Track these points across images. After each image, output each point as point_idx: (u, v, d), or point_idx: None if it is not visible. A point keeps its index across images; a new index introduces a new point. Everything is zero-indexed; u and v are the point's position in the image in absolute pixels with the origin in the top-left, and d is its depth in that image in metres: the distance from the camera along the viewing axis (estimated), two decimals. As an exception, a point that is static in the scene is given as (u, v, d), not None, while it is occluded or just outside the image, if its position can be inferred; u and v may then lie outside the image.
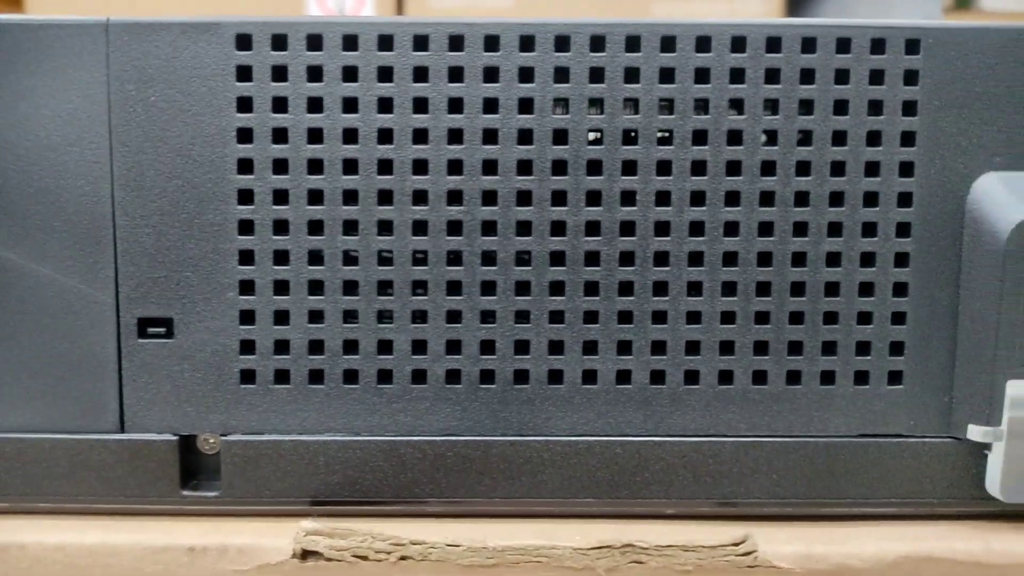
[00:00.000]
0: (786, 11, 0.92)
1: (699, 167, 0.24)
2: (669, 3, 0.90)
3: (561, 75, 0.23)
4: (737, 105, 0.24)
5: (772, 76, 0.24)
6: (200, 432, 0.24)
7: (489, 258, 0.24)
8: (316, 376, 0.24)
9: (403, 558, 0.24)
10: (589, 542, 0.24)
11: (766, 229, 0.24)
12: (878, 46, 0.24)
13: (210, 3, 0.81)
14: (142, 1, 0.79)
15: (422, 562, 0.24)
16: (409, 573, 0.24)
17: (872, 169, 0.24)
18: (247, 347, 0.24)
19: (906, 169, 0.24)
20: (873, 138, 0.24)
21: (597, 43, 0.23)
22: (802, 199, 0.24)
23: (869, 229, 0.24)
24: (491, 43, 0.23)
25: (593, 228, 0.24)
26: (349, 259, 0.24)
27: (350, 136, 0.23)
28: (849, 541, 0.24)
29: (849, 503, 0.25)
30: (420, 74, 0.23)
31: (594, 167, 0.24)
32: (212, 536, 0.24)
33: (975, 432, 0.24)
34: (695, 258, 0.24)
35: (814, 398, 0.25)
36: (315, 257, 0.24)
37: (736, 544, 0.24)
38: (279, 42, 0.23)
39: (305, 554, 0.23)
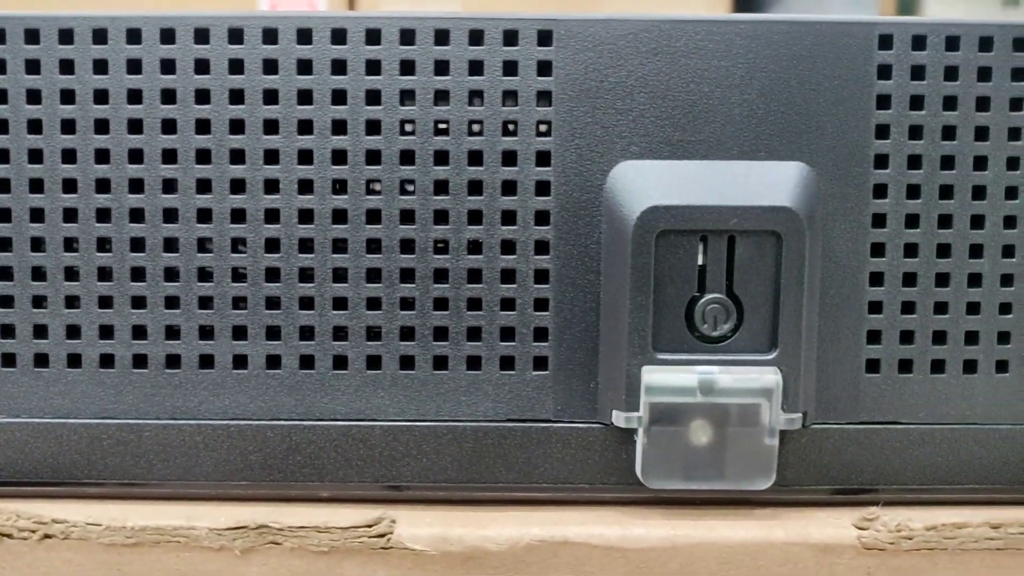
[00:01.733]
0: (733, 6, 0.92)
1: (340, 156, 0.24)
2: (617, 6, 0.91)
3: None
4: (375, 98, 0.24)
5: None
6: None
7: (138, 245, 0.25)
8: (-24, 360, 0.25)
9: (46, 536, 0.24)
10: (227, 523, 0.24)
11: (408, 217, 0.24)
12: (511, 38, 0.24)
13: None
14: None
15: (64, 540, 0.24)
16: (54, 552, 0.24)
17: (509, 158, 0.24)
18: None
19: (543, 158, 0.24)
20: (509, 128, 0.24)
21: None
22: (441, 187, 0.24)
23: (509, 217, 0.24)
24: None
25: (238, 216, 0.24)
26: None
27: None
28: (490, 525, 0.24)
29: (501, 488, 0.25)
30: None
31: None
32: None
33: (618, 418, 0.24)
34: (339, 245, 0.24)
35: (461, 383, 0.25)
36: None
37: (370, 526, 0.24)
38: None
39: (-50, 532, 0.24)
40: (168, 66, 0.24)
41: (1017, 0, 1.08)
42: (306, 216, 0.24)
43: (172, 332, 0.25)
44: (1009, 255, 0.25)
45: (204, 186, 0.24)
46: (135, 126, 0.24)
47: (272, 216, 0.24)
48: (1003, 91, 0.25)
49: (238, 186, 0.24)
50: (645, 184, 0.24)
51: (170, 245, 0.25)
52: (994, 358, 0.25)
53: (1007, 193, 0.25)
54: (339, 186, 0.24)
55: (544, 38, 0.24)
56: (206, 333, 0.25)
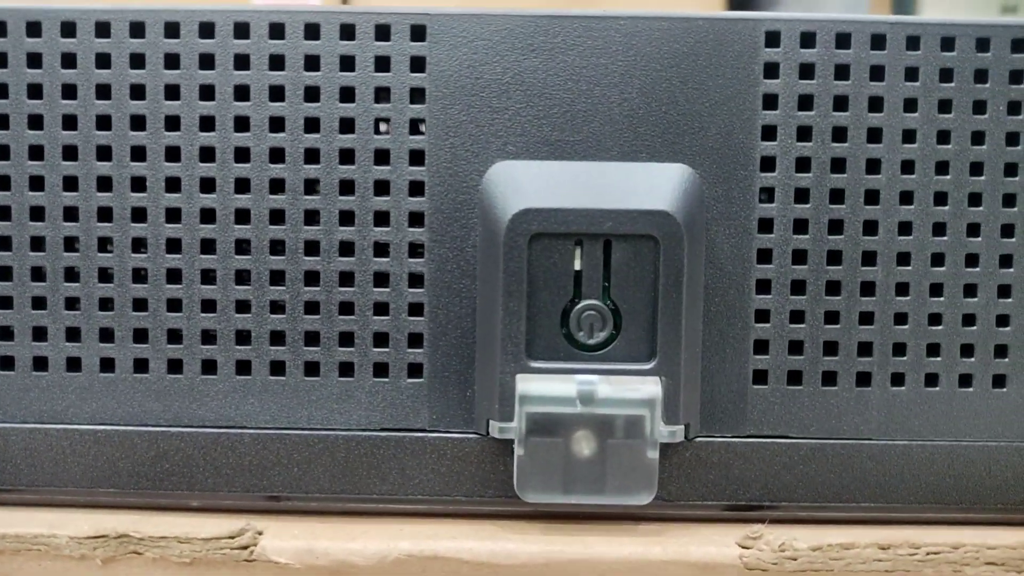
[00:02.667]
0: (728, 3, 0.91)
1: (210, 154, 0.24)
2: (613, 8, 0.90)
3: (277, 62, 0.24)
4: (242, 92, 0.24)
5: (278, 63, 0.24)
6: None
7: (5, 243, 0.24)
8: None
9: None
10: (89, 532, 0.23)
11: (277, 217, 0.24)
12: (383, 32, 0.23)
13: None
14: None
15: (-78, 548, 0.23)
16: (-88, 559, 0.24)
17: (382, 157, 0.24)
18: None
19: (417, 157, 0.24)
20: (381, 126, 0.24)
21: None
22: (312, 187, 0.24)
23: (382, 218, 0.24)
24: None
25: (105, 215, 0.24)
26: None
27: None
28: (358, 538, 0.23)
29: (375, 499, 0.24)
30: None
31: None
32: None
33: (493, 428, 0.24)
34: (207, 246, 0.24)
35: (334, 390, 0.24)
36: None
37: (232, 537, 0.23)
38: None
39: None
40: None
41: (1015, 7, 1.07)
42: (173, 215, 0.24)
43: (39, 334, 0.24)
44: (904, 263, 0.24)
45: (70, 183, 0.24)
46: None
47: (139, 215, 0.24)
48: (897, 91, 0.24)
49: (104, 184, 0.24)
50: (519, 185, 0.23)
51: (37, 244, 0.24)
52: (889, 371, 0.24)
53: (901, 198, 0.24)
54: (207, 185, 0.24)
55: (417, 33, 0.23)
56: (73, 335, 0.24)
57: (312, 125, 0.24)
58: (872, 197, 0.24)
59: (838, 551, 0.23)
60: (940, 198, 0.24)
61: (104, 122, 0.24)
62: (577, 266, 0.23)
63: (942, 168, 0.24)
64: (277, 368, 0.24)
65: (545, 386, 0.23)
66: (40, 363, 0.24)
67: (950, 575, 0.23)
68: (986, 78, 0.24)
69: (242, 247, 0.24)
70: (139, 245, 0.24)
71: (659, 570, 0.23)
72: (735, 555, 0.23)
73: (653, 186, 0.23)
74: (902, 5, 0.98)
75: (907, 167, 0.24)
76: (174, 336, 0.24)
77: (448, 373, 0.24)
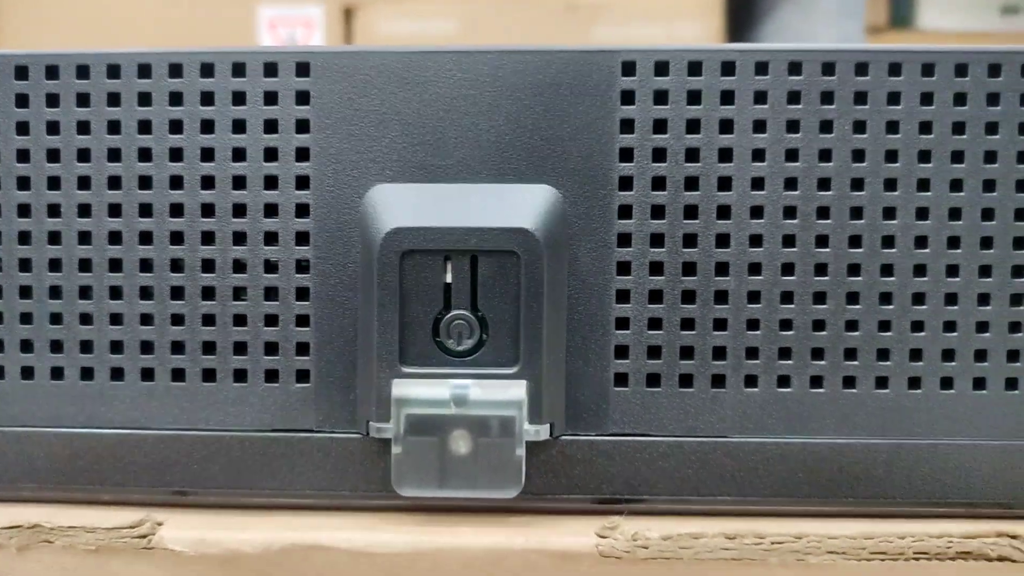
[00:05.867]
0: (726, 33, 0.93)
1: (115, 182, 0.26)
2: (609, 27, 0.93)
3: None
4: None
5: (177, 99, 0.26)
6: None
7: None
8: None
9: None
10: (4, 523, 0.26)
11: (177, 238, 0.26)
12: (271, 69, 0.26)
13: (157, 39, 0.88)
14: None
15: None
16: None
17: (271, 182, 0.26)
18: None
19: (303, 182, 0.26)
20: (271, 154, 0.26)
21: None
22: (208, 210, 0.26)
23: (271, 238, 0.26)
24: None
25: (24, 239, 0.26)
26: None
27: None
28: (248, 529, 0.26)
29: (267, 494, 0.27)
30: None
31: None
32: None
33: (372, 429, 0.26)
34: (114, 264, 0.26)
35: (229, 395, 0.26)
36: None
37: (132, 527, 0.26)
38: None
39: None
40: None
41: (1016, 8, 1.08)
42: (84, 238, 0.26)
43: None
44: (756, 272, 0.26)
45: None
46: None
47: (54, 238, 0.26)
48: (746, 113, 0.25)
49: (24, 210, 0.26)
50: (394, 206, 0.25)
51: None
52: (743, 373, 0.26)
53: (752, 212, 0.26)
54: (114, 210, 0.26)
55: (302, 69, 0.26)
56: (-4, 346, 0.27)
57: (208, 155, 0.26)
58: (724, 212, 0.26)
59: (687, 540, 0.25)
60: (789, 212, 0.26)
61: (24, 155, 0.26)
62: (447, 279, 0.25)
63: (790, 184, 0.26)
64: (178, 375, 0.26)
65: (420, 390, 0.25)
66: (-32, 371, 0.27)
67: (794, 564, 0.25)
68: (832, 99, 0.26)
69: (145, 265, 0.26)
70: (55, 266, 0.26)
71: (520, 558, 0.25)
72: (592, 544, 0.25)
73: (516, 206, 0.25)
74: (900, 7, 0.99)
75: (757, 184, 0.26)
76: (86, 347, 0.26)
77: (333, 379, 0.26)
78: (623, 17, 0.93)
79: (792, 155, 0.26)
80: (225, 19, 0.94)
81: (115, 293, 0.26)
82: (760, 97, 0.26)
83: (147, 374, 0.26)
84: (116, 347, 0.26)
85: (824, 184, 0.26)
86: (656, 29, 0.93)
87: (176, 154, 0.26)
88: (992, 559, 0.25)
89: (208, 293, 0.26)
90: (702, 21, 0.93)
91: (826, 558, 0.25)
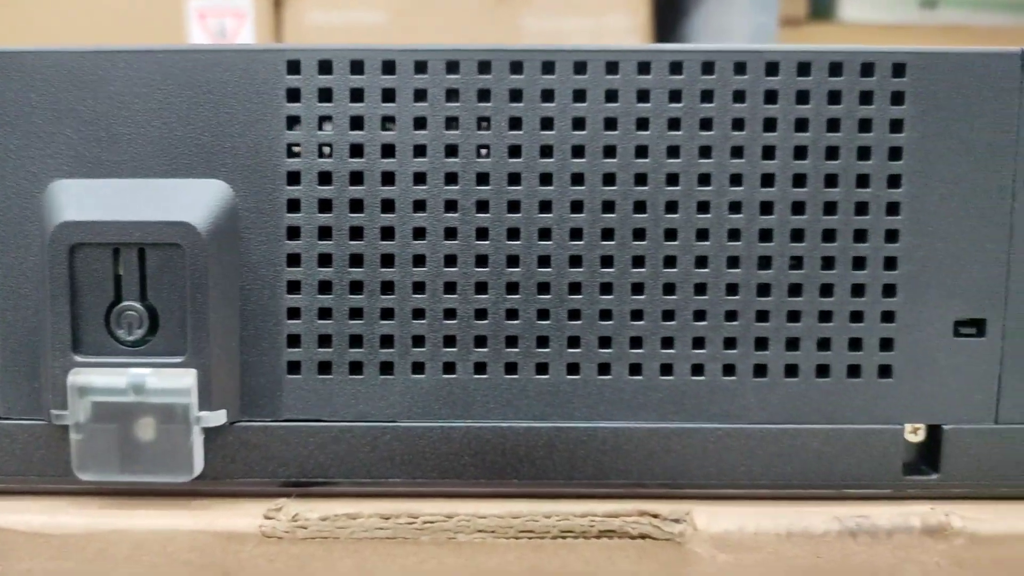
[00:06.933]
0: (653, 27, 0.94)
1: None
2: (538, 19, 0.93)
3: None
4: None
5: None
6: None
7: None
8: None
9: None
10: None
11: None
12: None
13: (87, 29, 0.88)
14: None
15: None
16: None
17: (-47, 179, 0.27)
18: None
19: None
20: (-48, 151, 0.27)
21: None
22: None
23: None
24: None
25: None
26: None
27: None
28: None
29: (-39, 479, 0.28)
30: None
31: None
32: None
33: (53, 416, 0.27)
34: None
35: (-79, 384, 0.27)
36: None
37: None
38: None
39: None
40: None
41: (934, 2, 1.09)
42: None
43: None
44: (420, 264, 0.27)
45: None
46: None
47: None
48: (441, 111, 0.26)
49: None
50: (67, 201, 0.26)
51: None
52: (410, 360, 0.27)
53: (415, 207, 0.27)
54: None
55: (-19, 69, 0.27)
56: None
57: None
58: (388, 206, 0.27)
59: (344, 520, 0.26)
60: (450, 205, 0.27)
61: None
62: (119, 272, 0.26)
63: (451, 179, 0.27)
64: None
65: (97, 378, 0.26)
66: None
67: (445, 542, 0.26)
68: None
69: None
70: None
71: (188, 540, 0.26)
72: (256, 525, 0.26)
73: (183, 200, 0.26)
74: (821, 7, 1.00)
75: (419, 179, 0.27)
76: None
77: (18, 368, 0.27)
78: (552, 10, 0.94)
79: (451, 151, 0.27)
80: (155, 8, 0.95)
81: None
82: (420, 95, 0.27)
83: None
84: None
85: (483, 179, 0.27)
86: (585, 21, 0.94)
87: None
88: (634, 537, 0.26)
89: (-102, 287, 0.27)
90: (630, 14, 0.94)
91: (476, 536, 0.26)
